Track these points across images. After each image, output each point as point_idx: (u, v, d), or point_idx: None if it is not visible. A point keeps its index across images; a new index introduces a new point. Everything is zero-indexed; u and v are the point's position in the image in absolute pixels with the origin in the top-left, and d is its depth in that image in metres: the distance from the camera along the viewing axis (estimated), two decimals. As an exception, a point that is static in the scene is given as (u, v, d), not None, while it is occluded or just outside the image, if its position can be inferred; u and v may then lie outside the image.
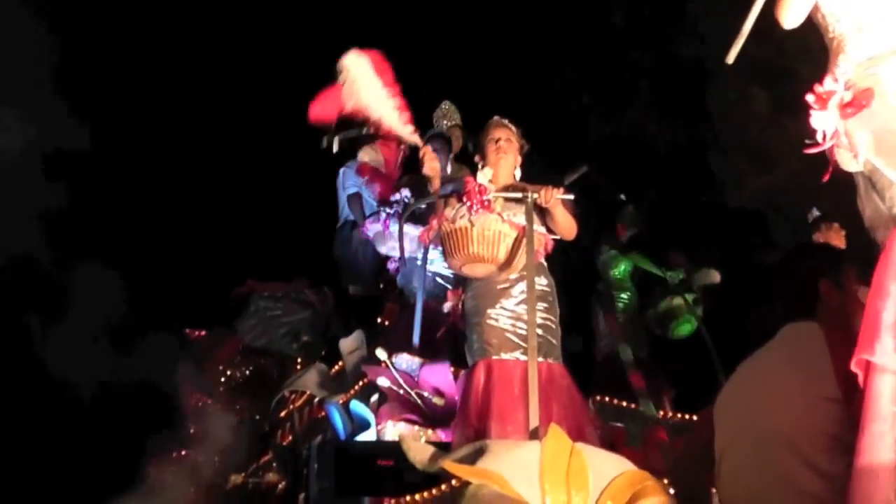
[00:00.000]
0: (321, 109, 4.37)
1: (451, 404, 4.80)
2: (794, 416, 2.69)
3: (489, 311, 4.23)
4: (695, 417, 5.26)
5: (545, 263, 4.33)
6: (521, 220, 4.05)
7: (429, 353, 5.08)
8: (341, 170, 6.44)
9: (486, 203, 4.03)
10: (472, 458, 3.18)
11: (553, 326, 4.24)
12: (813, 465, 2.61)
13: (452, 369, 4.83)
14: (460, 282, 5.80)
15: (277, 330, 6.71)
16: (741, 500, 2.82)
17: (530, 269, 3.87)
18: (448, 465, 3.10)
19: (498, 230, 4.06)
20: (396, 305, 6.03)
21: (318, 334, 6.71)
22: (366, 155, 6.32)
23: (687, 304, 5.89)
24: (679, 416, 5.56)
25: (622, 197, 6.46)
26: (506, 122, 4.56)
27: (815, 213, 5.34)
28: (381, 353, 4.79)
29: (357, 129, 4.55)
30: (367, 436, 4.50)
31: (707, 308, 5.98)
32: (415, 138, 4.37)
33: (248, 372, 7.09)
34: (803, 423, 2.67)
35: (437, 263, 5.65)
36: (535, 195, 4.09)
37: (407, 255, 5.14)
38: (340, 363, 5.92)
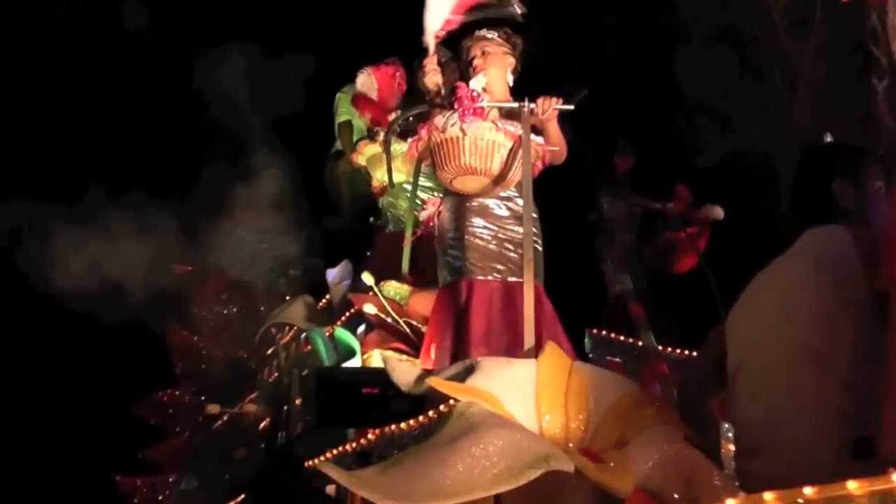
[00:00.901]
0: None
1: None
2: (821, 325, 2.37)
3: (472, 228, 3.88)
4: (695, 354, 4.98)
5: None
6: (517, 129, 3.68)
7: (419, 280, 4.78)
8: (337, 95, 6.07)
9: (478, 110, 3.66)
10: (461, 377, 2.88)
11: (539, 248, 3.89)
12: (838, 376, 2.31)
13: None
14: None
15: (265, 264, 6.37)
16: (758, 419, 2.49)
17: (527, 180, 3.52)
18: (435, 382, 2.80)
19: (492, 139, 3.69)
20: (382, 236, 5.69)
21: (304, 268, 6.37)
22: (360, 82, 5.93)
23: (688, 238, 5.56)
24: (681, 351, 5.26)
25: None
26: (481, 32, 4.07)
27: (829, 138, 4.96)
28: (367, 279, 4.49)
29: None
30: (353, 364, 4.16)
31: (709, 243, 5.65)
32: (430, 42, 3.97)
33: (234, 308, 6.74)
34: (831, 331, 2.35)
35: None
36: (532, 105, 3.73)
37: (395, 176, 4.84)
38: (328, 296, 5.61)
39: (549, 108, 3.73)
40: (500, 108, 3.82)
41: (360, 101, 5.94)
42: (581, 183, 6.13)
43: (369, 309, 4.43)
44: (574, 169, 4.26)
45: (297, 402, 4.29)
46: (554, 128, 3.81)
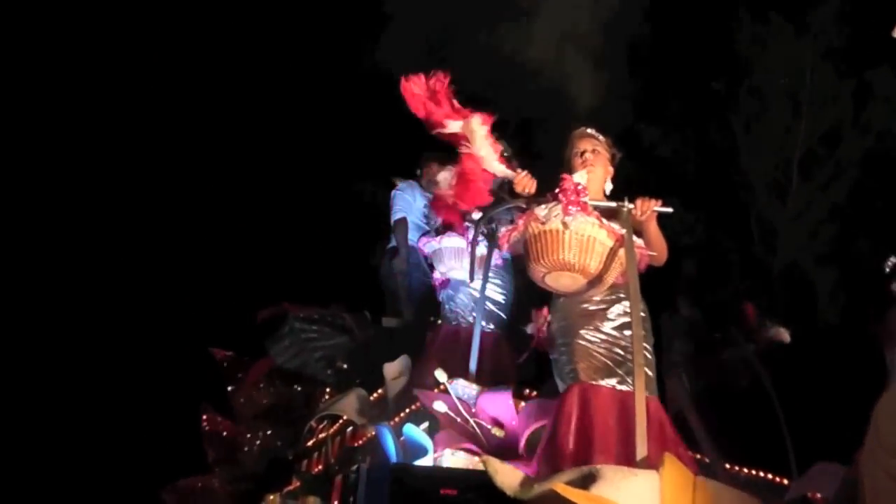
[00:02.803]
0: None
1: (511, 436, 4.16)
2: None
3: (581, 331, 3.59)
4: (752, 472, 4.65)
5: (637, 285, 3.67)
6: (620, 228, 3.43)
7: (484, 380, 4.47)
8: (393, 192, 5.86)
9: (582, 204, 3.41)
10: (582, 483, 2.55)
11: (650, 357, 3.59)
12: None
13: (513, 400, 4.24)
14: (507, 308, 5.25)
15: (312, 354, 6.01)
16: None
17: (634, 282, 3.27)
18: (561, 488, 2.47)
19: (593, 236, 3.43)
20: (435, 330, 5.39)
21: (354, 361, 6.02)
22: (442, 178, 5.64)
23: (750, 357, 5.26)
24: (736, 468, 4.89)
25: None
26: (591, 131, 3.95)
27: (893, 260, 4.72)
28: (440, 375, 4.17)
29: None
30: (424, 464, 3.81)
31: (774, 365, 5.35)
32: (510, 172, 3.89)
33: (273, 398, 6.37)
34: None
35: (488, 288, 5.08)
36: (631, 205, 3.50)
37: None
38: (380, 390, 5.27)
39: (648, 209, 3.50)
40: (598, 207, 3.57)
41: (439, 203, 5.68)
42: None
43: (440, 407, 4.10)
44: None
45: (364, 493, 3.87)
46: (654, 230, 3.58)
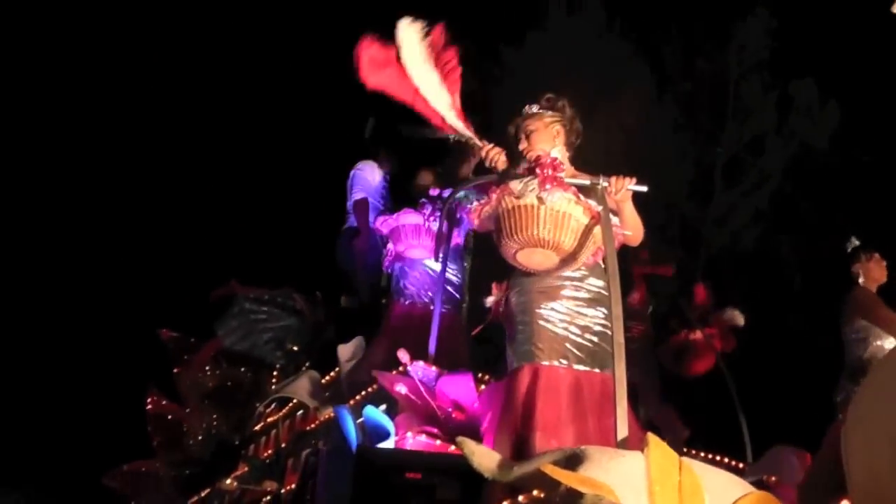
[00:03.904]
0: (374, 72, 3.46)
1: (471, 419, 3.90)
2: None
3: (540, 310, 3.34)
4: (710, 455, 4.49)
5: (602, 264, 3.45)
6: (597, 206, 3.20)
7: (440, 362, 4.21)
8: (352, 172, 5.56)
9: (560, 180, 3.17)
10: (567, 464, 2.32)
11: (609, 334, 3.35)
12: None
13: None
14: (461, 288, 5.02)
15: (261, 335, 5.68)
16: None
17: (612, 261, 3.03)
18: (550, 469, 2.22)
19: (568, 212, 3.18)
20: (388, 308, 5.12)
21: (304, 343, 5.70)
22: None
23: (706, 339, 5.12)
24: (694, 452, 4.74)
25: None
26: (527, 108, 3.57)
27: (854, 242, 4.65)
28: (403, 356, 3.89)
29: (429, 130, 3.59)
30: (386, 447, 3.53)
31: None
32: (469, 133, 3.53)
33: (219, 380, 6.01)
34: None
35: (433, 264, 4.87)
36: (605, 182, 3.27)
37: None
38: (332, 372, 4.98)
39: (622, 187, 3.27)
40: (574, 183, 3.32)
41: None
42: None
43: (401, 389, 3.83)
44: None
45: (324, 477, 3.57)
46: (629, 208, 3.36)
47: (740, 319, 5.32)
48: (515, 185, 3.22)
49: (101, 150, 8.24)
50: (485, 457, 2.57)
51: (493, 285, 3.74)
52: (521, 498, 2.62)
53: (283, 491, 4.38)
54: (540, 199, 3.17)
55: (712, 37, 12.13)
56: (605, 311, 3.34)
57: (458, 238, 4.80)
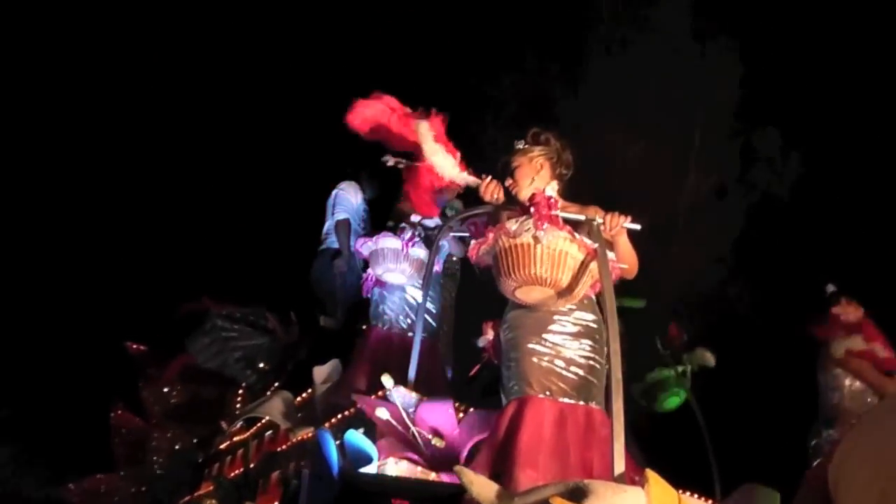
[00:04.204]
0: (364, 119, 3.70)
1: (451, 447, 3.89)
2: None
3: (529, 345, 3.37)
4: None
5: (594, 298, 3.50)
6: (593, 243, 3.24)
7: (418, 388, 4.19)
8: (335, 191, 5.54)
9: (554, 218, 3.21)
10: (571, 497, 2.31)
11: (598, 367, 3.39)
12: None
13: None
14: (437, 316, 5.01)
15: (232, 353, 5.58)
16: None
17: (610, 297, 3.05)
18: (559, 502, 2.22)
19: (564, 250, 3.22)
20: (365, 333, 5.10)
21: (275, 363, 5.62)
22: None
23: (677, 377, 5.18)
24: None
25: None
26: (521, 145, 3.67)
27: (832, 287, 4.77)
28: (387, 381, 3.85)
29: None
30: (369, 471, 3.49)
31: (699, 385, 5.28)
32: (472, 178, 3.80)
33: (184, 397, 5.89)
34: None
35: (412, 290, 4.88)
36: (600, 219, 3.33)
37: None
38: (305, 393, 4.92)
39: (617, 225, 3.33)
40: (568, 220, 3.37)
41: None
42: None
43: (382, 414, 3.80)
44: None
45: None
46: (624, 243, 3.41)
47: (712, 360, 5.40)
48: (511, 225, 3.26)
49: (69, 158, 8.07)
50: (484, 486, 2.56)
51: (483, 324, 3.77)
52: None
53: (255, 513, 4.31)
54: (535, 238, 3.21)
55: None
56: (591, 344, 3.40)
57: (436, 265, 4.82)
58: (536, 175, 3.60)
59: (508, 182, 3.61)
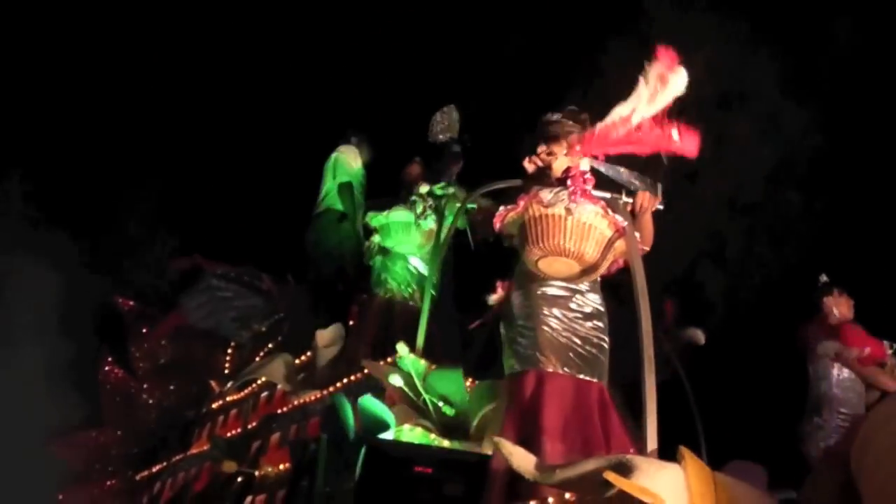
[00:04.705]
0: None
1: (461, 416, 3.90)
2: None
3: (544, 317, 3.35)
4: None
5: (599, 280, 3.50)
6: (624, 220, 3.23)
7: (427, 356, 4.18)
8: (333, 155, 5.46)
9: (589, 193, 3.19)
10: (619, 472, 2.31)
11: (606, 347, 3.40)
12: None
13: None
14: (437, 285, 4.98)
15: (227, 313, 5.49)
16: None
17: (640, 273, 3.03)
18: (613, 477, 2.22)
19: (593, 224, 3.20)
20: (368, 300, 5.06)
21: (270, 324, 5.55)
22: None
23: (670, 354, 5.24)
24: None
25: None
26: (556, 116, 3.57)
27: (824, 278, 4.86)
28: (402, 348, 3.85)
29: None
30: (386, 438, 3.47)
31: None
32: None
33: (173, 355, 5.80)
34: None
35: (421, 264, 4.91)
36: (629, 199, 3.32)
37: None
38: (303, 356, 4.86)
39: (650, 206, 3.33)
40: (601, 196, 3.34)
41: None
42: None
43: (395, 381, 3.79)
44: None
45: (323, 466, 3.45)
46: (648, 222, 3.40)
47: (701, 338, 5.49)
48: (546, 195, 3.22)
49: (67, 114, 7.85)
50: (524, 458, 2.56)
51: (498, 283, 3.75)
52: (550, 500, 2.61)
53: (255, 474, 4.26)
54: (568, 210, 3.18)
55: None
56: (601, 325, 3.39)
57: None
58: (570, 149, 3.56)
59: (541, 149, 3.56)
